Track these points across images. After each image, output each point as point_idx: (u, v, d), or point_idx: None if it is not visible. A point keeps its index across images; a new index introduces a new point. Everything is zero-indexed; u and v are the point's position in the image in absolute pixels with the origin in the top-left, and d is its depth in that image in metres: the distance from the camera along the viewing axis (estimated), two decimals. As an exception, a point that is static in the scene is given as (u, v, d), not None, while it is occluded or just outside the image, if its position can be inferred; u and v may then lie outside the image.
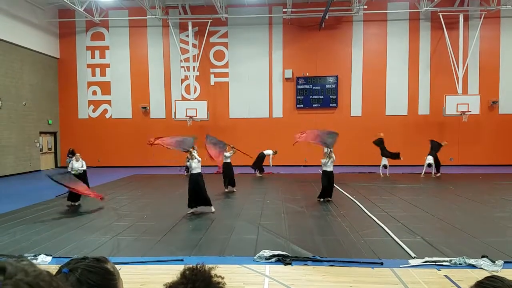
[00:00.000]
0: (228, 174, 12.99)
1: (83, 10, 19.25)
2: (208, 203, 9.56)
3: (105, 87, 21.78)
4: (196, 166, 9.55)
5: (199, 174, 9.57)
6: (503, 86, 20.39)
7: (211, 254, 6.36)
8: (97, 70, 21.79)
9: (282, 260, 5.90)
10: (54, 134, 21.99)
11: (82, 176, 11.27)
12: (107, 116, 21.88)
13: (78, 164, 11.42)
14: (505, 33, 20.28)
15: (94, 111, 21.92)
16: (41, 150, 20.76)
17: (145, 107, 21.50)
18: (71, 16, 21.11)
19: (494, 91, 20.36)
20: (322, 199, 11.04)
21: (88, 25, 21.47)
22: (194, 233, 7.75)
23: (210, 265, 1.26)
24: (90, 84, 21.86)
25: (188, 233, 7.81)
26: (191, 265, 1.26)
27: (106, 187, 14.20)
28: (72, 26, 21.61)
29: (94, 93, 21.86)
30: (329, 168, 11.03)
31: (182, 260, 5.98)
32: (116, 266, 1.26)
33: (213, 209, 9.61)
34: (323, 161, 11.14)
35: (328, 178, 10.99)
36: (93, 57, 21.78)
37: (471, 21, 20.08)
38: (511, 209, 9.67)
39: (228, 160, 13.02)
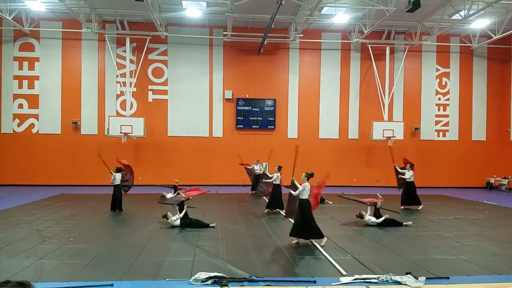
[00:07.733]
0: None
1: (12, 19, 18.11)
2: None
3: (33, 100, 20.44)
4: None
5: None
6: (424, 114, 22.35)
7: (143, 278, 6.12)
8: (25, 82, 20.43)
9: (219, 282, 5.85)
10: (-30, 149, 20.08)
11: None
12: (34, 131, 20.48)
13: None
14: (426, 66, 22.37)
15: (19, 125, 20.42)
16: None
17: (76, 122, 20.46)
18: (-2, 24, 19.75)
19: (416, 118, 22.23)
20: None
21: (17, 34, 20.19)
22: (126, 256, 7.41)
23: None
24: (16, 96, 20.40)
25: (119, 256, 7.46)
26: None
27: (29, 207, 13.17)
28: (-2, 34, 20.21)
29: (20, 106, 20.42)
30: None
31: (112, 285, 5.71)
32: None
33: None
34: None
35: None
36: (21, 68, 20.41)
37: (396, 54, 21.90)
38: (431, 228, 10.50)
39: (277, 182, 13.09)
